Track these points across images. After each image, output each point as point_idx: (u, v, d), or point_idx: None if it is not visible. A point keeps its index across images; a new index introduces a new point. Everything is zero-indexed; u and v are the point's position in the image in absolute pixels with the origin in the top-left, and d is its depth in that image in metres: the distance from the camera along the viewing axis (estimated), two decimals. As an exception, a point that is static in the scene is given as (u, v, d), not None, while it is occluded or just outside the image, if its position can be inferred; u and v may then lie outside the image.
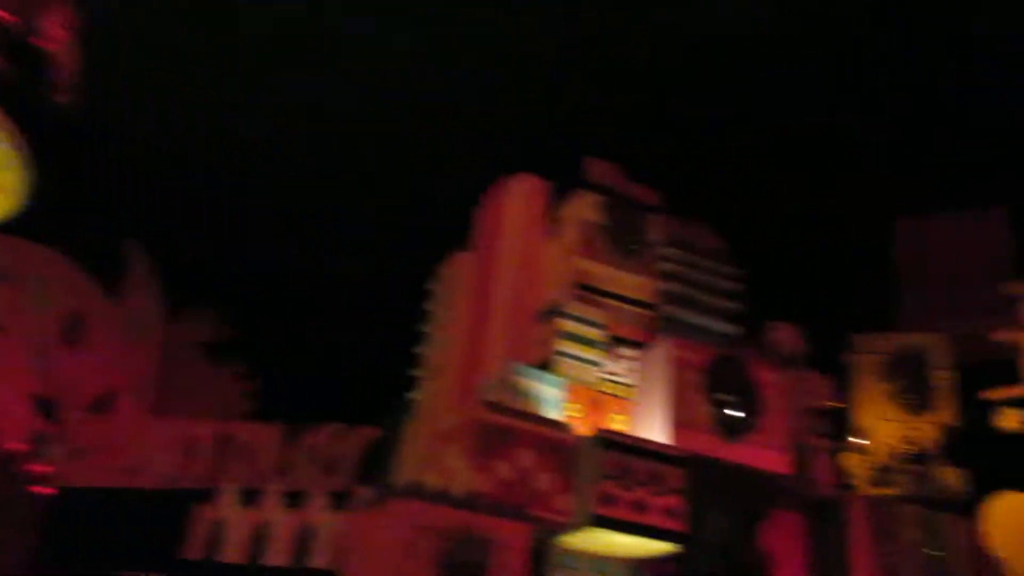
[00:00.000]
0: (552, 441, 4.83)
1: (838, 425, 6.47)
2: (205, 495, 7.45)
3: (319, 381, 9.53)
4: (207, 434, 8.59)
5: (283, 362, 9.84)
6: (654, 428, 5.16)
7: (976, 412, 6.74)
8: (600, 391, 5.54)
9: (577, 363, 5.49)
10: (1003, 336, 6.75)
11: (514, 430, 4.76)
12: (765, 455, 5.17)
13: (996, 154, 8.51)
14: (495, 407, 4.87)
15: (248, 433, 8.50)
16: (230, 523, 6.99)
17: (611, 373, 5.65)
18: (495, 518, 4.17)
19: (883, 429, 6.90)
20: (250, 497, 7.18)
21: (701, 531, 5.22)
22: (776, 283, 7.68)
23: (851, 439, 6.64)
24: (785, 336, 6.34)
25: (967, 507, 6.32)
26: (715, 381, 5.26)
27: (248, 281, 10.12)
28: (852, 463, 6.52)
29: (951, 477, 6.61)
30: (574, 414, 5.35)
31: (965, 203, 9.09)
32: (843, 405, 6.15)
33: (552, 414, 5.20)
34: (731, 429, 5.15)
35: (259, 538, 6.86)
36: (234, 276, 9.99)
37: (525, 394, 5.22)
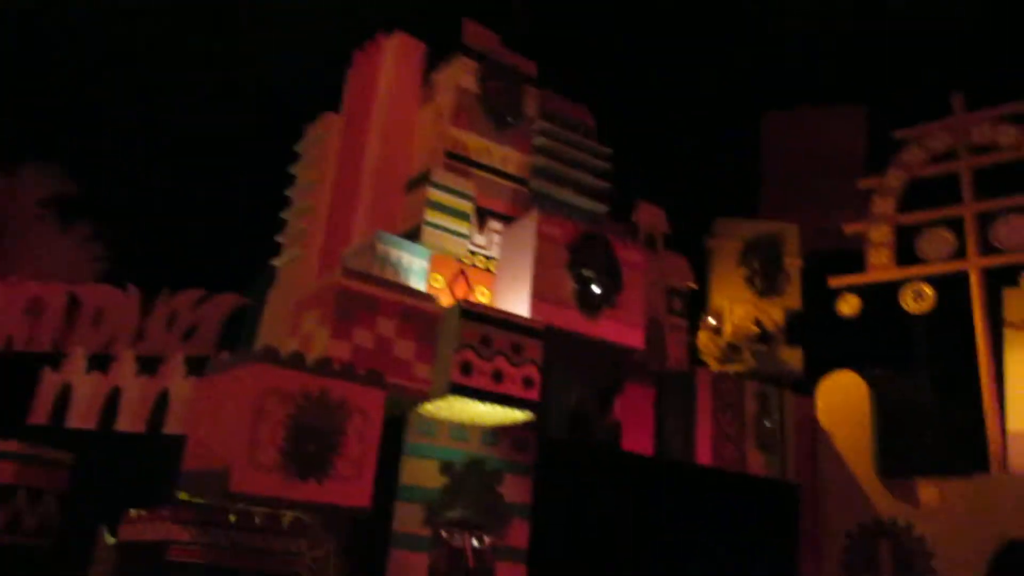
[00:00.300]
0: (415, 311, 4.80)
1: (693, 305, 6.76)
2: (52, 359, 7.10)
3: (177, 244, 9.08)
4: (55, 296, 8.11)
5: (137, 223, 9.29)
6: (516, 301, 5.20)
7: (820, 298, 7.20)
8: (466, 263, 5.52)
9: (445, 234, 5.41)
10: (854, 228, 7.15)
11: (376, 299, 4.68)
12: (622, 330, 5.33)
13: (859, 53, 8.77)
14: (357, 275, 4.76)
15: (100, 297, 8.07)
16: (78, 388, 6.71)
17: (478, 246, 5.62)
18: (350, 383, 4.13)
19: (734, 311, 7.28)
20: (101, 362, 6.89)
21: (557, 400, 5.42)
22: (644, 165, 7.79)
23: (704, 319, 6.98)
24: (650, 217, 6.48)
25: (804, 384, 6.84)
26: (578, 257, 5.31)
27: (98, 133, 9.33)
28: (703, 341, 6.88)
29: (791, 356, 7.10)
30: (439, 285, 5.33)
31: (831, 100, 9.43)
32: (696, 286, 6.40)
33: (416, 284, 5.16)
34: (591, 305, 5.26)
35: (110, 404, 6.63)
36: (82, 127, 9.20)
37: (389, 263, 5.13)
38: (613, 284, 5.39)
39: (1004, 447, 5.95)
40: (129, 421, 6.45)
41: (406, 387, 4.64)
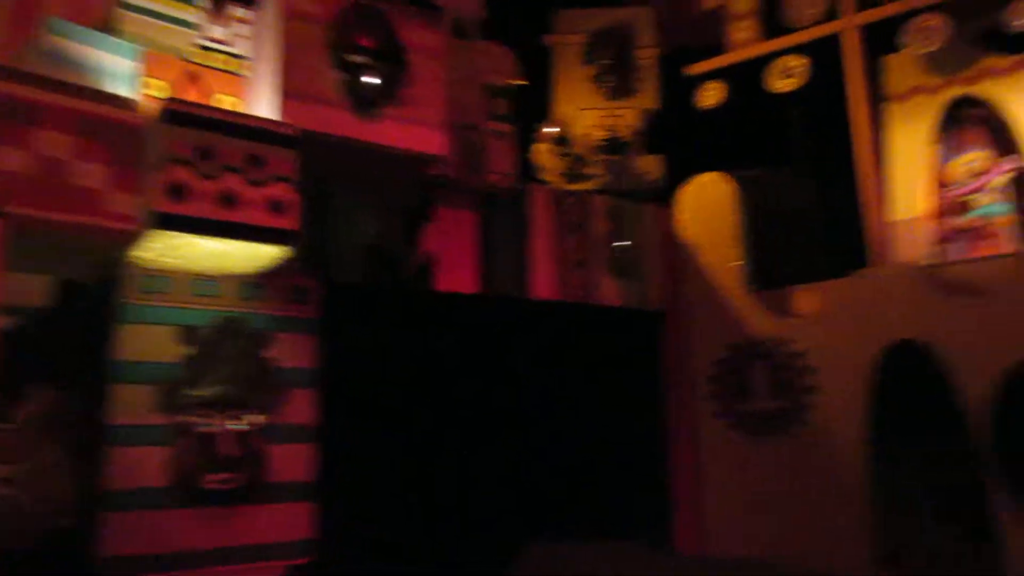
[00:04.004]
0: (102, 122, 3.39)
1: (532, 114, 5.53)
2: None
3: None
4: None
5: None
6: (268, 105, 3.84)
7: (680, 94, 6.07)
8: (199, 63, 4.07)
9: (158, 23, 3.94)
10: (711, 2, 5.95)
11: (36, 105, 3.25)
12: (412, 134, 4.07)
13: None
14: (19, 76, 3.30)
15: None
16: None
17: (215, 40, 4.16)
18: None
19: (580, 118, 6.10)
20: None
21: (345, 233, 4.19)
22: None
23: (543, 128, 5.77)
24: (454, -5, 5.07)
25: (662, 195, 5.81)
26: (345, 39, 3.95)
27: None
28: (542, 154, 5.69)
29: (649, 165, 6.03)
30: (157, 92, 3.88)
31: None
32: (526, 83, 5.14)
33: (117, 89, 3.71)
34: (365, 101, 3.95)
35: None
36: None
37: (69, 62, 3.65)
38: (396, 74, 4.07)
39: (886, 238, 5.10)
40: None
41: (92, 225, 3.29)
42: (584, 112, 6.14)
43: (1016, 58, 5.09)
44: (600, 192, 5.54)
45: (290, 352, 3.90)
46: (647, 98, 6.19)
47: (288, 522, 3.70)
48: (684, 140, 6.08)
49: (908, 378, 4.60)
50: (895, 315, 4.69)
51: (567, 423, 5.26)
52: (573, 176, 5.77)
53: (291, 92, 3.78)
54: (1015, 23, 4.92)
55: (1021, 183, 4.98)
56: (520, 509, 4.97)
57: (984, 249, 4.92)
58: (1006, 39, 5.02)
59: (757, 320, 5.16)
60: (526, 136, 5.57)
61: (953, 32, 4.99)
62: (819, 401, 4.85)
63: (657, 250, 5.48)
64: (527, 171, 5.46)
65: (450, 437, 4.58)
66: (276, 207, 3.52)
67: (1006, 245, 4.83)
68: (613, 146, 6.02)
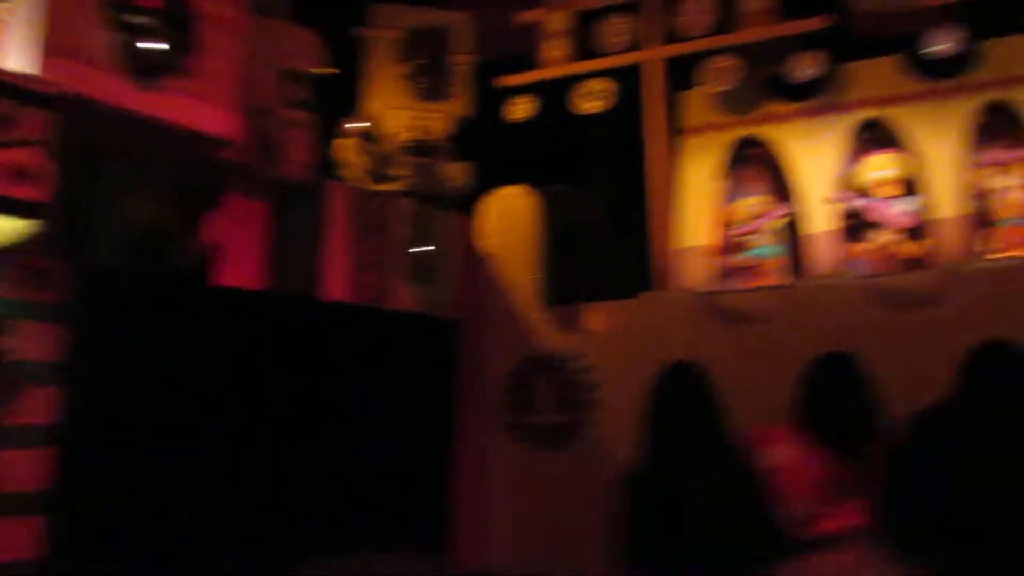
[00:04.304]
0: None
1: (330, 101, 5.28)
2: None
3: None
4: None
5: None
6: (22, 56, 3.36)
7: (489, 103, 6.07)
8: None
9: None
10: (528, 16, 6.00)
11: None
12: (197, 110, 3.72)
13: None
14: None
15: None
16: None
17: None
18: None
19: (390, 117, 5.94)
20: None
21: (111, 212, 3.75)
22: None
23: (349, 123, 5.55)
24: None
25: (468, 203, 5.77)
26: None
27: None
28: (346, 150, 5.47)
29: (456, 171, 5.96)
30: None
31: None
32: (334, 73, 4.91)
33: None
34: (146, 67, 3.57)
35: None
36: None
37: None
38: (182, 42, 3.72)
39: (671, 264, 5.35)
40: None
41: None
42: (394, 111, 5.97)
43: (796, 105, 5.55)
44: (404, 195, 5.39)
45: (29, 342, 3.42)
46: (460, 104, 6.13)
47: (11, 540, 3.23)
48: (492, 150, 6.08)
49: (680, 397, 4.82)
50: (674, 337, 4.91)
51: (350, 431, 5.06)
52: (377, 176, 5.58)
53: (54, 48, 3.32)
54: (797, 73, 5.35)
55: (791, 227, 5.42)
56: (295, 520, 4.70)
57: (756, 282, 5.31)
58: (789, 87, 5.46)
59: (549, 335, 5.23)
60: (330, 129, 5.33)
61: (745, 75, 5.34)
62: (600, 417, 4.98)
63: (458, 258, 5.42)
64: (328, 166, 5.22)
65: (218, 443, 4.23)
66: (21, 174, 3.07)
67: (776, 280, 5.24)
68: (422, 149, 5.90)
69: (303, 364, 4.75)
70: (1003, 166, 5.00)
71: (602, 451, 4.93)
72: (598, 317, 5.14)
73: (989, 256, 4.92)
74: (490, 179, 5.70)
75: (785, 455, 3.66)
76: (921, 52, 5.24)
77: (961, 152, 5.15)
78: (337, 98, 5.53)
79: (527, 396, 5.19)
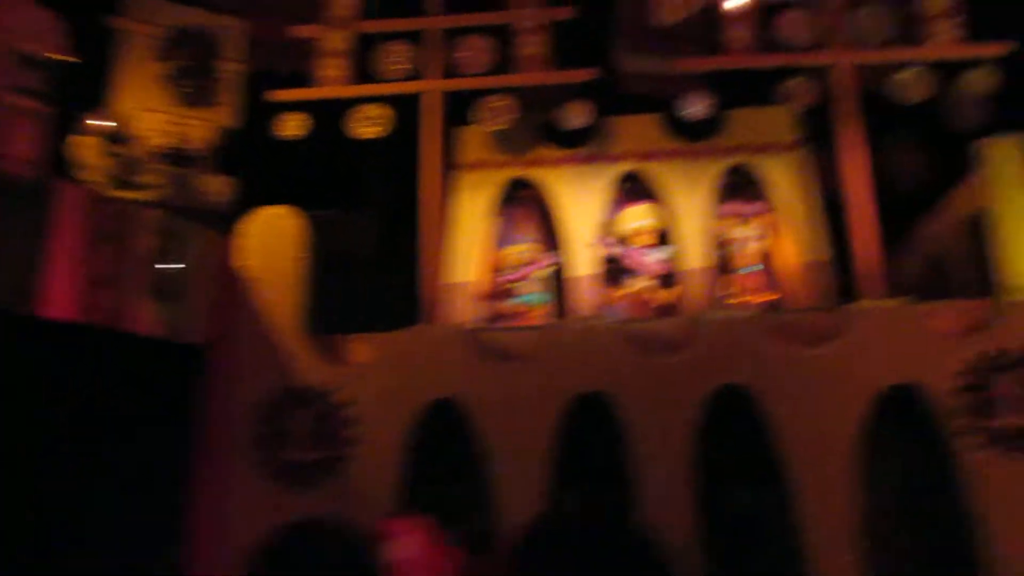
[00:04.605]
0: None
1: (70, 93, 4.69)
2: None
3: None
4: None
5: None
6: None
7: (259, 117, 5.70)
8: None
9: None
10: (303, 31, 5.74)
11: None
12: None
13: None
14: None
15: None
16: None
17: None
18: None
19: (143, 119, 5.39)
20: None
21: None
22: None
23: (92, 120, 4.95)
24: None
25: (226, 220, 5.34)
26: None
27: None
28: (85, 149, 4.87)
29: (216, 185, 5.51)
30: None
31: None
32: (77, 62, 4.35)
33: None
34: None
35: None
36: None
37: None
38: None
39: (440, 299, 5.28)
40: None
41: None
42: (148, 113, 5.42)
43: (566, 152, 5.75)
44: (153, 205, 4.88)
45: None
46: (225, 113, 5.69)
47: None
48: (259, 167, 5.70)
49: (442, 434, 4.73)
50: (440, 372, 4.82)
51: (77, 463, 4.44)
52: (121, 181, 5.02)
53: None
54: (567, 121, 5.55)
55: (558, 273, 5.58)
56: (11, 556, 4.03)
57: (520, 322, 5.39)
58: (560, 134, 5.65)
59: (309, 366, 4.93)
60: (68, 124, 4.73)
61: (519, 117, 5.44)
62: (358, 453, 4.75)
63: (210, 278, 4.97)
64: (61, 164, 4.61)
65: None
66: None
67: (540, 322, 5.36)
68: (178, 157, 5.40)
69: (16, 389, 4.09)
70: (743, 219, 5.50)
71: (358, 490, 4.69)
72: (363, 349, 4.92)
73: (730, 300, 5.37)
74: (254, 197, 5.33)
75: (410, 548, 3.67)
76: (678, 113, 5.64)
77: (708, 207, 5.59)
78: (81, 91, 4.93)
79: (280, 430, 4.83)
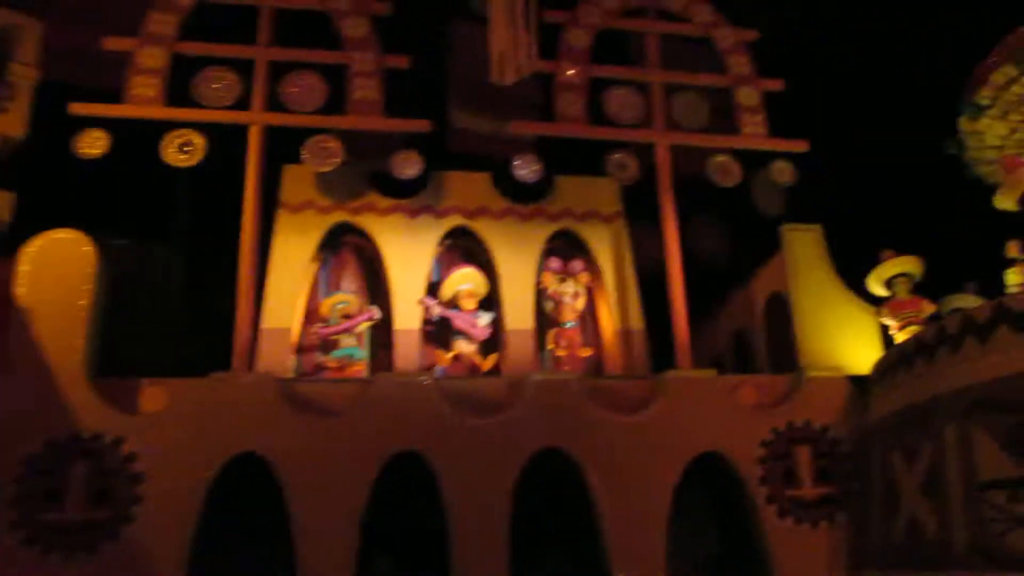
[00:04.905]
0: None
1: None
2: None
3: None
4: None
5: None
6: None
7: (55, 130, 5.09)
8: None
9: None
10: (116, 44, 5.23)
11: None
12: None
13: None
14: None
15: None
16: None
17: None
18: None
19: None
20: None
21: None
22: None
23: None
24: None
25: (4, 242, 4.69)
26: None
27: None
28: None
29: (-3, 203, 4.84)
30: None
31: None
32: None
33: None
34: None
35: None
36: None
37: None
38: None
39: (253, 344, 4.89)
40: None
41: None
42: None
43: (395, 201, 5.59)
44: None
45: None
46: (12, 122, 5.05)
47: None
48: (48, 185, 5.08)
49: (243, 493, 4.32)
50: (242, 425, 4.43)
51: None
52: None
53: None
54: (398, 171, 5.40)
55: (380, 325, 5.36)
56: None
57: (337, 375, 5.11)
58: (390, 182, 5.48)
59: (92, 413, 4.35)
60: None
61: (347, 161, 5.23)
62: (143, 512, 4.22)
63: (-15, 307, 4.31)
64: None
65: None
66: None
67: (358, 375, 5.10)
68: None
69: None
70: (566, 276, 5.58)
71: (141, 554, 4.16)
72: (157, 395, 4.42)
73: (555, 352, 5.39)
74: (39, 218, 4.72)
75: None
76: (507, 175, 5.68)
77: (533, 268, 5.64)
78: None
79: (50, 487, 4.20)
